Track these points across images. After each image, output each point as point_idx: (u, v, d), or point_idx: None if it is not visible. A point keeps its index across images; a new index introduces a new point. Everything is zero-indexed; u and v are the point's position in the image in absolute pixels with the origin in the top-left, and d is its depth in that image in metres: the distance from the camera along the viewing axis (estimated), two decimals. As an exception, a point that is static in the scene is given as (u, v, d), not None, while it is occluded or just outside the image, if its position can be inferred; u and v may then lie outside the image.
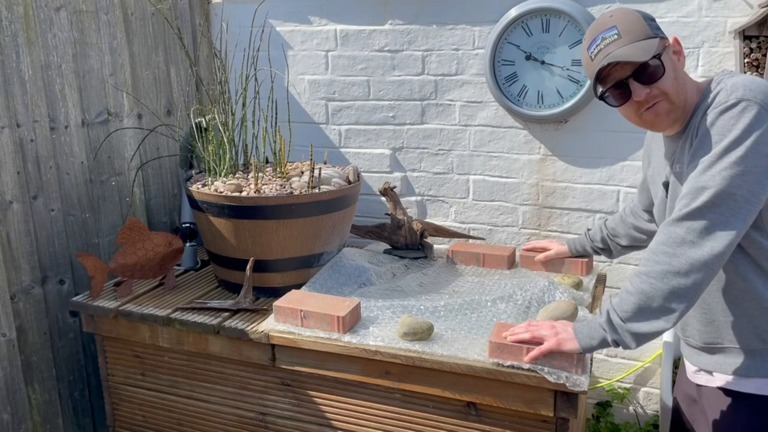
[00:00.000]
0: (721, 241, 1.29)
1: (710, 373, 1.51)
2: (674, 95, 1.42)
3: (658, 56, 1.39)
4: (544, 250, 2.21)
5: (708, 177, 1.31)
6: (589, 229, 2.10)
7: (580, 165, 2.49)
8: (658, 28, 1.45)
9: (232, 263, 2.12)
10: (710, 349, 1.50)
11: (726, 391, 1.48)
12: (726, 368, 1.46)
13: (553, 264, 2.19)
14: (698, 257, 1.30)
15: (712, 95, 1.37)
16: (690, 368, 1.60)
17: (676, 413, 1.71)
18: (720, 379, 1.49)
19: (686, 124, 1.46)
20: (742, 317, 1.43)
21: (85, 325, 2.19)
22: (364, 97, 2.75)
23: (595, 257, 2.25)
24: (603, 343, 1.45)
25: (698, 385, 1.57)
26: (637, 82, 1.41)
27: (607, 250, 2.02)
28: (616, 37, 1.42)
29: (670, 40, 1.46)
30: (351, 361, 1.81)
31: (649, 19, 1.45)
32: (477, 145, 2.63)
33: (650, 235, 1.84)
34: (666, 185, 1.54)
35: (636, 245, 1.95)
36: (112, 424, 2.30)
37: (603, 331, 1.43)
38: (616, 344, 1.41)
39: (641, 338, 1.37)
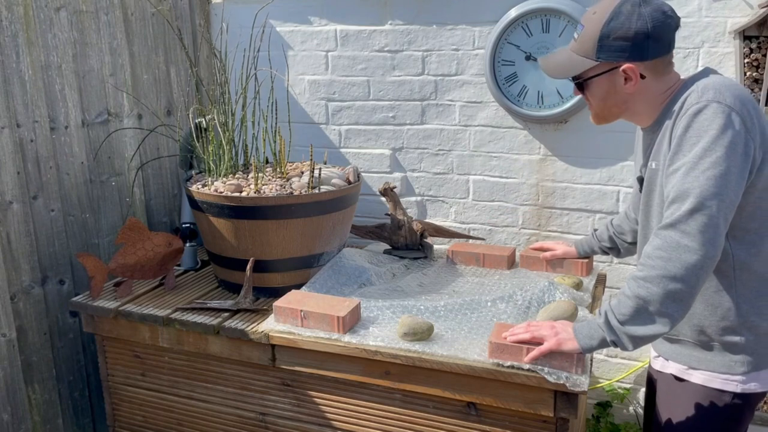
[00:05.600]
0: (713, 242, 1.33)
1: (666, 360, 1.62)
2: (599, 110, 1.58)
3: (580, 77, 1.53)
4: (550, 250, 2.21)
5: (692, 179, 1.34)
6: (596, 230, 2.11)
7: (580, 165, 2.49)
8: (620, 50, 1.45)
9: (232, 263, 2.12)
10: (669, 339, 1.60)
11: (676, 378, 1.59)
12: (678, 357, 1.58)
13: (553, 263, 2.19)
14: (694, 261, 1.33)
15: (684, 96, 1.44)
16: (652, 353, 1.73)
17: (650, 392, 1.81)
18: (672, 367, 1.60)
19: (656, 120, 1.52)
20: (692, 315, 1.51)
21: (85, 325, 2.19)
22: (364, 97, 2.75)
23: (596, 257, 2.25)
24: (602, 344, 1.47)
25: (657, 370, 1.68)
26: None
27: (615, 248, 2.03)
28: (575, 37, 1.54)
29: (624, 66, 1.46)
30: (351, 362, 1.81)
31: (613, 38, 1.44)
32: (477, 146, 2.63)
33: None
34: (641, 180, 1.61)
35: None
36: (112, 424, 2.30)
37: (602, 332, 1.45)
38: (615, 345, 1.44)
39: (638, 341, 1.41)
